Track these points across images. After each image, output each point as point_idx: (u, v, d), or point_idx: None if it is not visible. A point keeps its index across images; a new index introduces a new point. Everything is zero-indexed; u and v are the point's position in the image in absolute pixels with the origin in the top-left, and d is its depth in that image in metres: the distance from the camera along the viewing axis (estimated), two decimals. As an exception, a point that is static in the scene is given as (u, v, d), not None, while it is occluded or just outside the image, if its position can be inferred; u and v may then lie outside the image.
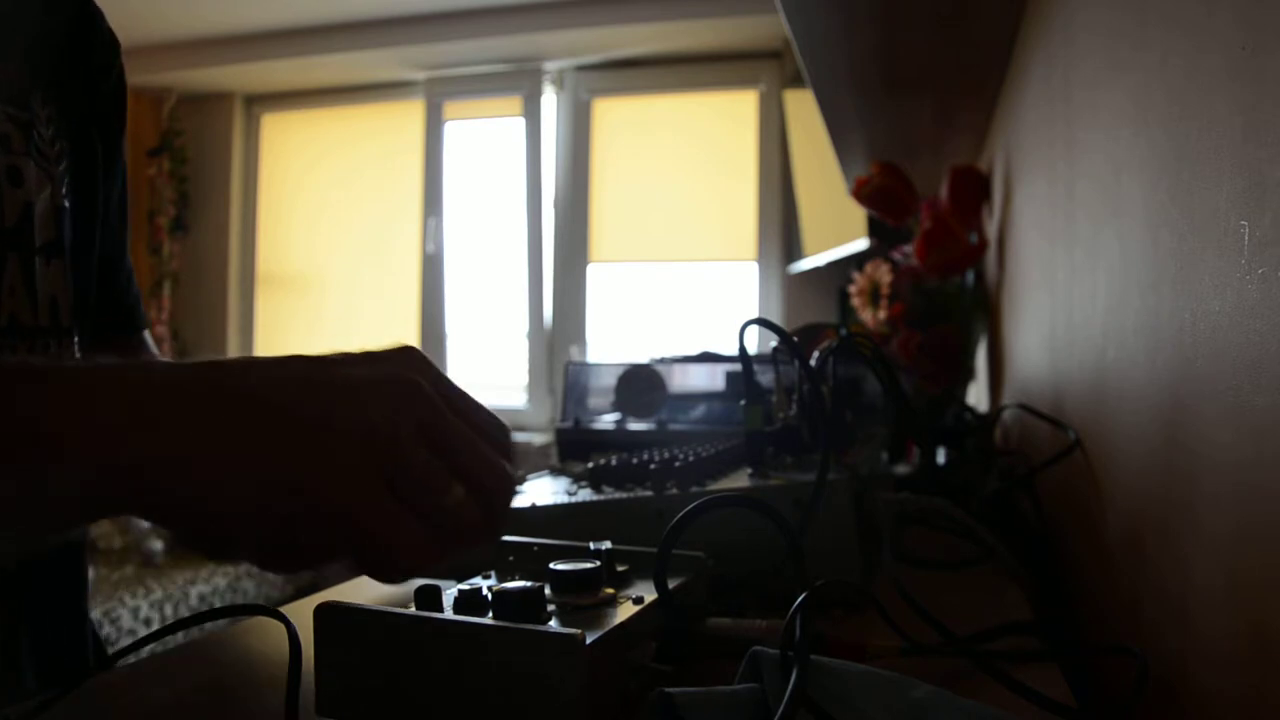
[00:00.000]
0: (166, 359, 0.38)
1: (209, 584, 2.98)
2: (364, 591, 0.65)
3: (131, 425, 0.34)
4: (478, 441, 0.40)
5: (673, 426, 0.93)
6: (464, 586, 0.45)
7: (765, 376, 0.74)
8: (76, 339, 0.65)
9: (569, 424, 0.98)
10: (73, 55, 0.68)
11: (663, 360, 1.00)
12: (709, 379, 1.00)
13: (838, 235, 2.65)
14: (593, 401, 1.03)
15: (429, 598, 0.44)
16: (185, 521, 0.36)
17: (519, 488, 0.48)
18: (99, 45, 0.72)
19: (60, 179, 0.65)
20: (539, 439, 3.24)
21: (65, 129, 0.66)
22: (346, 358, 0.39)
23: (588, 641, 0.38)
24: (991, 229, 1.49)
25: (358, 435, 0.36)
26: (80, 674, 0.48)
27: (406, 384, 0.38)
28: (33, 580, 0.64)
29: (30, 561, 0.63)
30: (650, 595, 0.46)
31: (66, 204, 0.65)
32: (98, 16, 0.72)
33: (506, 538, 0.56)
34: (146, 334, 0.82)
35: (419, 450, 0.37)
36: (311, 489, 0.35)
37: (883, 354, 0.77)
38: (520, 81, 3.56)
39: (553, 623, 0.42)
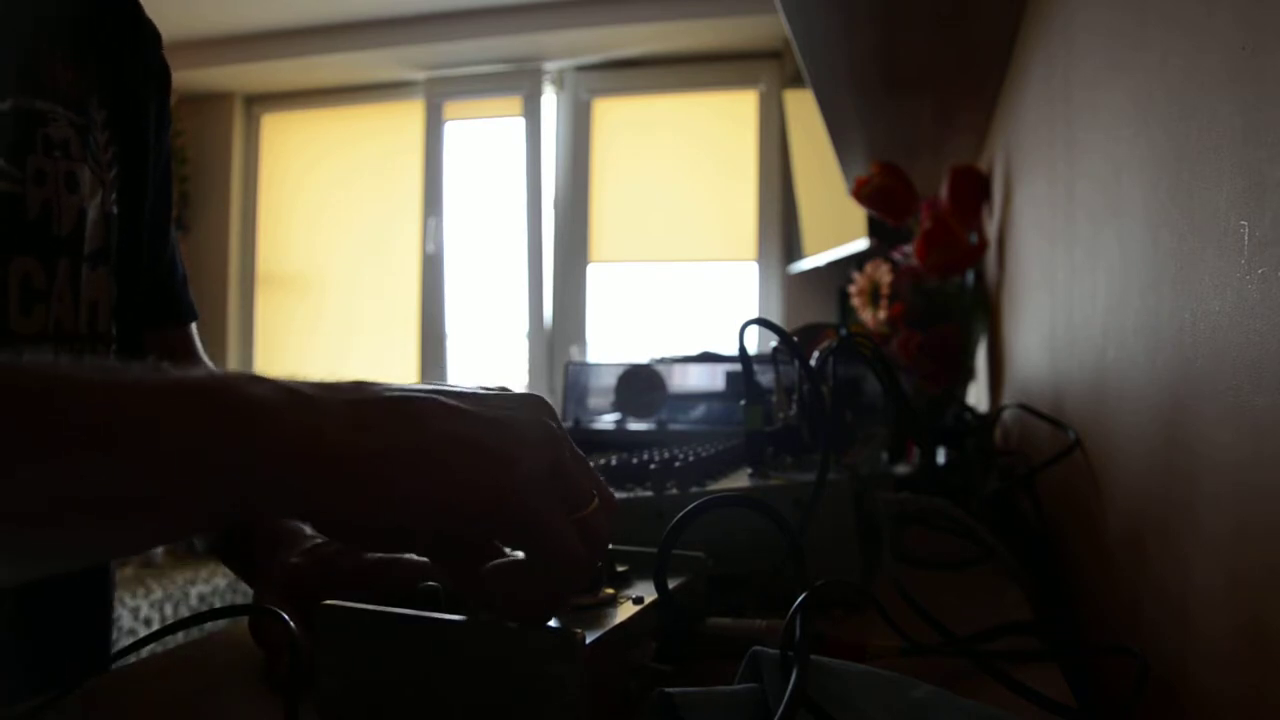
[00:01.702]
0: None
1: (209, 584, 2.97)
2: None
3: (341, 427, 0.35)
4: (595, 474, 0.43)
5: (673, 426, 0.93)
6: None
7: (765, 376, 0.74)
8: (113, 346, 0.66)
9: (569, 424, 0.98)
10: (122, 52, 0.68)
11: (663, 360, 1.00)
12: (709, 379, 1.00)
13: (838, 235, 2.65)
14: (593, 401, 1.03)
15: (429, 598, 0.44)
16: (376, 516, 0.36)
17: None
18: (144, 41, 0.72)
19: (111, 185, 0.65)
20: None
21: (118, 134, 0.66)
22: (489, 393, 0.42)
23: (588, 641, 0.38)
24: (991, 229, 1.49)
25: (542, 451, 0.39)
26: (80, 674, 0.48)
27: (551, 414, 0.41)
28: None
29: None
30: (650, 595, 0.46)
31: (115, 210, 0.66)
32: (139, 8, 0.72)
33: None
34: (193, 328, 0.81)
35: (574, 459, 0.41)
36: (505, 493, 0.37)
37: (883, 354, 0.77)
38: (520, 81, 3.56)
39: (553, 623, 0.42)
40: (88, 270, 0.63)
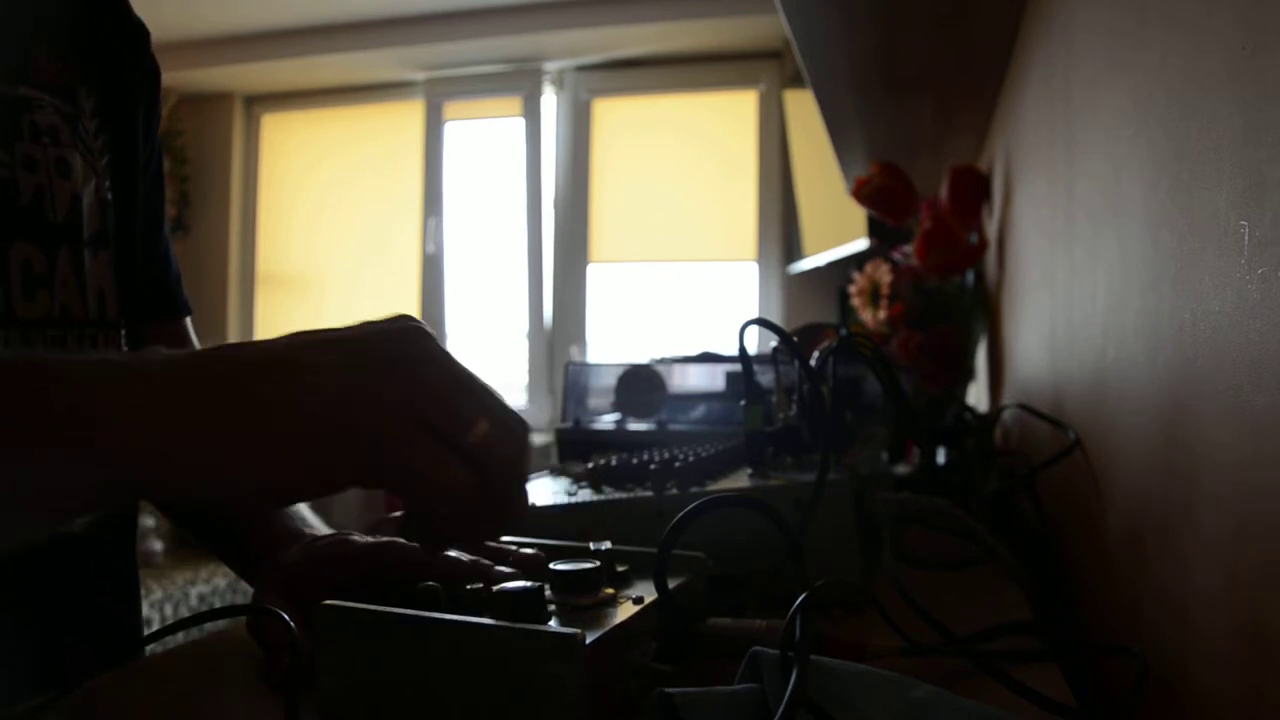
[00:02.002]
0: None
1: (209, 584, 2.97)
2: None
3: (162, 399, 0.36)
4: (491, 390, 0.41)
5: (673, 426, 0.93)
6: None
7: (765, 376, 0.74)
8: (123, 332, 0.66)
9: (569, 424, 0.98)
10: (110, 48, 0.69)
11: (663, 360, 1.00)
12: (709, 379, 1.00)
13: (838, 235, 2.65)
14: (593, 401, 1.03)
15: (429, 598, 0.44)
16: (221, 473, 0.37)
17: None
18: (132, 36, 0.73)
19: (104, 172, 0.66)
20: (539, 439, 3.24)
21: (107, 123, 0.67)
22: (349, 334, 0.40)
23: (588, 641, 0.38)
24: (991, 229, 1.49)
25: (384, 369, 0.38)
26: (80, 674, 0.48)
27: (418, 332, 0.40)
28: (86, 563, 0.65)
29: (82, 543, 0.65)
30: (650, 595, 0.46)
31: (109, 197, 0.66)
32: (127, 6, 0.73)
33: (506, 538, 0.56)
34: (188, 321, 0.81)
35: (448, 387, 0.38)
36: (343, 416, 0.36)
37: (883, 354, 0.77)
38: (520, 81, 3.56)
39: (553, 623, 0.42)
40: (90, 256, 0.63)
